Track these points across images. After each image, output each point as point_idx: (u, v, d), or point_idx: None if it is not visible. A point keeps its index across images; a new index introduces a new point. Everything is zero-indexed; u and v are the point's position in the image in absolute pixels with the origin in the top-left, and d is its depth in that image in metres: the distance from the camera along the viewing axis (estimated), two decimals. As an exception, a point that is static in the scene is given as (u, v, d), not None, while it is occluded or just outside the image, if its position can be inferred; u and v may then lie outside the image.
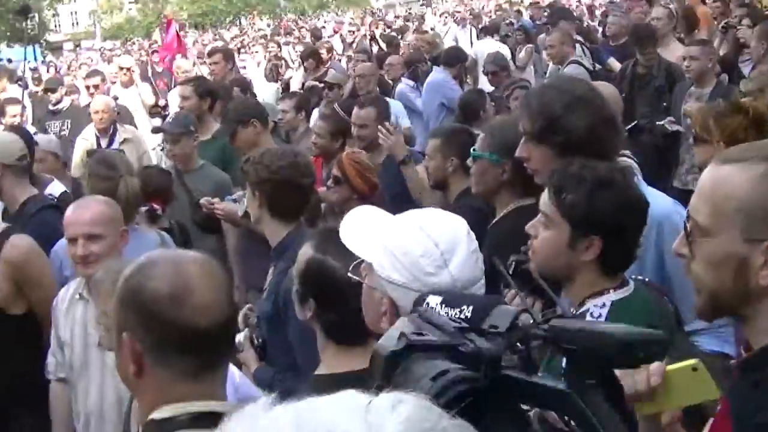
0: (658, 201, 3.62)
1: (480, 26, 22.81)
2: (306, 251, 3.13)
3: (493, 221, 4.55)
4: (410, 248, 2.40)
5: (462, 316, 1.81)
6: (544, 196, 3.09)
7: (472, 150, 4.64)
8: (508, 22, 23.61)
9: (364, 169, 5.40)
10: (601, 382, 1.57)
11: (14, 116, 10.14)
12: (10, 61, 35.62)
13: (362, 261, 2.56)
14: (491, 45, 14.65)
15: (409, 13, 45.75)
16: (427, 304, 1.92)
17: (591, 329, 1.63)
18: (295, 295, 3.17)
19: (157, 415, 2.12)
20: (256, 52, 20.84)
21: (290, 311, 3.66)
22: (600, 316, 2.92)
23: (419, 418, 1.02)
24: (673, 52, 9.57)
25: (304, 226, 4.49)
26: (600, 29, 17.44)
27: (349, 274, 2.61)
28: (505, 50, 14.01)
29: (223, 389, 2.25)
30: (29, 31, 15.54)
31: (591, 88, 3.85)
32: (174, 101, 11.35)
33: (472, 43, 21.29)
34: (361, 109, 6.99)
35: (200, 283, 2.14)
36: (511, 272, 2.62)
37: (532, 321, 1.67)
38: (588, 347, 1.58)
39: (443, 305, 1.89)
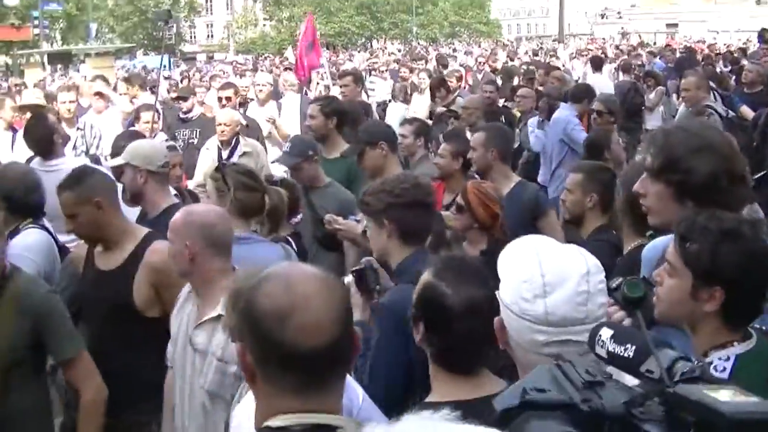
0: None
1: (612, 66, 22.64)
2: (426, 275, 3.15)
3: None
4: (517, 271, 2.45)
5: (625, 355, 1.84)
6: (670, 245, 3.05)
7: None
8: (639, 63, 23.43)
9: (488, 198, 5.43)
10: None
11: (147, 122, 10.41)
12: (145, 67, 36.70)
13: None
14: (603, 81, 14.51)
15: (540, 47, 45.67)
16: (600, 336, 1.97)
17: (705, 404, 1.60)
18: (410, 317, 3.18)
19: (272, 423, 2.14)
20: (386, 77, 21.01)
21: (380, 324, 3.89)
22: (724, 370, 2.85)
23: None
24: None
25: (427, 250, 4.48)
26: (732, 76, 17.17)
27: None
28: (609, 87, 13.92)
29: (339, 403, 2.24)
30: (167, 40, 15.93)
31: (724, 137, 3.72)
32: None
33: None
34: (475, 133, 7.20)
35: (307, 303, 2.12)
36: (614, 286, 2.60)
37: (686, 370, 1.67)
38: (702, 420, 1.57)
39: (612, 340, 1.93)
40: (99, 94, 12.49)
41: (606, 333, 1.99)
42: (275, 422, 2.14)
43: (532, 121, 11.01)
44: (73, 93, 11.84)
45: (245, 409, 3.29)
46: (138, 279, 4.85)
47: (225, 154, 9.47)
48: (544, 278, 2.43)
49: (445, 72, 17.31)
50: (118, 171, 5.99)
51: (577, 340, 2.45)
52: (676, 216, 3.01)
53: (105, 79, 14.88)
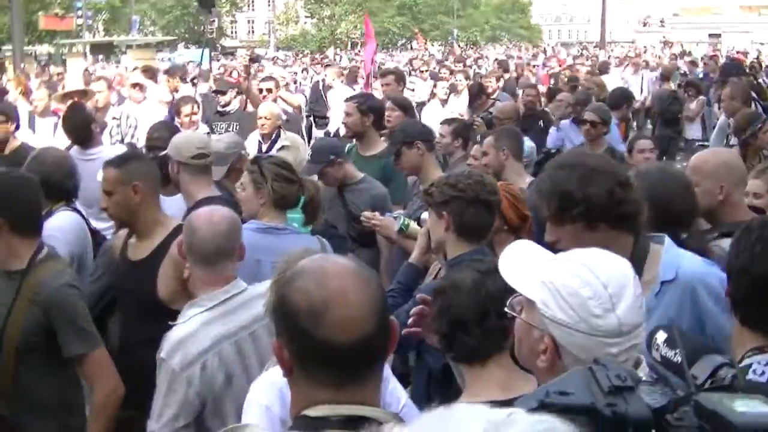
0: (691, 262, 3.63)
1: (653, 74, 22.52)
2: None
3: None
4: (579, 289, 2.39)
5: (675, 360, 1.82)
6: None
7: None
8: (682, 72, 23.31)
9: (517, 201, 5.40)
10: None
11: (188, 115, 10.45)
12: (192, 62, 36.93)
13: (518, 295, 2.56)
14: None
15: (581, 53, 45.51)
16: (655, 339, 1.96)
17: (718, 412, 1.61)
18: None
19: (310, 412, 2.14)
20: (426, 78, 20.99)
21: None
22: (764, 374, 2.81)
23: None
24: None
25: (485, 248, 4.46)
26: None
27: (506, 309, 2.62)
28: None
29: (376, 395, 2.24)
30: (208, 33, 16.02)
31: (598, 156, 3.91)
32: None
33: (642, 89, 21.07)
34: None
35: (341, 299, 2.11)
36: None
37: (730, 376, 1.66)
38: (715, 429, 1.58)
39: (665, 344, 1.92)
40: (137, 84, 12.60)
41: (660, 336, 2.04)
42: (313, 412, 2.13)
43: (564, 123, 10.94)
44: (104, 83, 11.92)
45: (258, 387, 3.33)
46: (162, 270, 4.79)
47: (265, 147, 9.49)
48: (608, 290, 2.38)
49: (483, 73, 17.27)
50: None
51: (638, 342, 2.42)
52: (595, 243, 2.99)
53: (149, 69, 15.01)
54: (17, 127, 8.35)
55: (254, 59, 14.62)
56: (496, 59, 33.62)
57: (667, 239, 3.74)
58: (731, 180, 4.84)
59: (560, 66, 27.23)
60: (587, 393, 1.72)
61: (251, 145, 9.54)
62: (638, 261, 3.43)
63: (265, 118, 9.61)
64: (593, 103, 10.56)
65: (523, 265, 2.59)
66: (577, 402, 1.67)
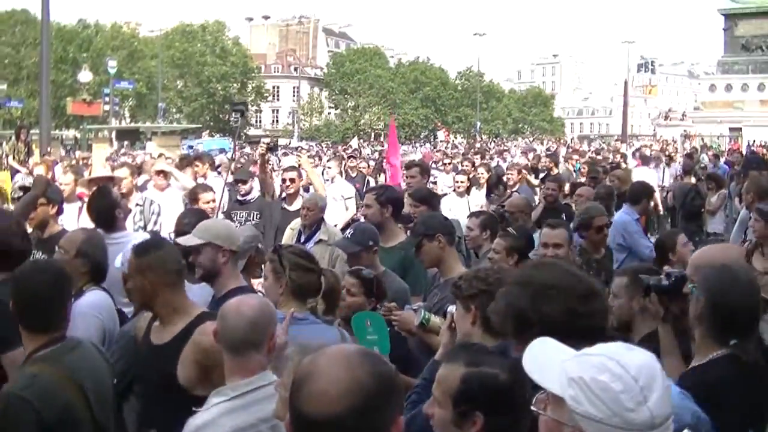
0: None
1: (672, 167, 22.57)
2: (454, 369, 3.13)
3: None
4: (610, 384, 2.38)
5: None
6: None
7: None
8: (702, 165, 23.34)
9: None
10: None
11: (207, 202, 10.41)
12: (223, 150, 37.37)
13: (542, 393, 2.54)
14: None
15: (602, 147, 45.73)
16: None
17: None
18: (449, 421, 3.11)
19: None
20: (448, 171, 21.09)
21: None
22: None
23: None
24: None
25: (511, 344, 4.44)
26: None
27: (532, 408, 2.60)
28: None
29: None
30: (233, 123, 16.24)
31: (560, 269, 3.63)
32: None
33: (662, 182, 21.11)
34: (554, 230, 7.25)
35: (318, 374, 2.15)
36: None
37: None
38: None
39: None
40: (161, 172, 12.70)
41: None
42: None
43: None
44: (126, 169, 12.06)
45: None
46: (184, 356, 4.78)
47: (303, 237, 9.50)
48: (639, 383, 2.38)
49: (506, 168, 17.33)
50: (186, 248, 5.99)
51: None
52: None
53: (184, 158, 15.16)
54: (60, 212, 8.35)
55: (271, 148, 14.67)
56: (522, 151, 33.82)
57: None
58: None
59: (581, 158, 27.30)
60: None
61: (293, 231, 9.59)
62: None
63: (308, 209, 9.59)
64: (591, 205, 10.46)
65: (548, 361, 2.58)
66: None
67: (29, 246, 6.10)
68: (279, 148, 36.81)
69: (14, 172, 13.76)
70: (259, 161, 12.96)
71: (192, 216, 7.34)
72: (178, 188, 12.45)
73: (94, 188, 9.13)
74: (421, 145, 60.85)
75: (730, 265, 4.49)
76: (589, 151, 33.91)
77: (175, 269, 5.09)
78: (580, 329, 3.26)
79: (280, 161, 24.14)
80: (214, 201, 10.54)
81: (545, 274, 3.50)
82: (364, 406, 2.14)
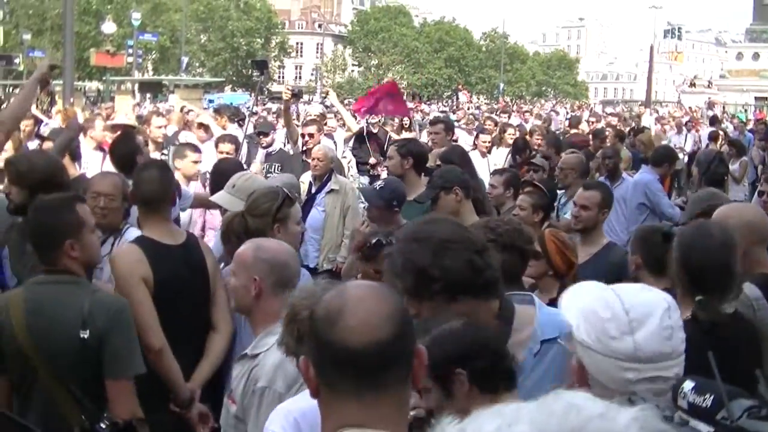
0: None
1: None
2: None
3: None
4: (599, 311, 2.46)
5: (704, 405, 1.85)
6: None
7: None
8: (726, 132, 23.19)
9: (565, 247, 5.40)
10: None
11: (224, 152, 10.43)
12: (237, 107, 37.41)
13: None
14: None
15: (627, 111, 45.44)
16: (682, 389, 2.01)
17: None
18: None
19: None
20: (470, 130, 21.05)
21: None
22: None
23: None
24: None
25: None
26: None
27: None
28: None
29: (400, 414, 2.25)
30: (255, 78, 16.31)
31: (454, 224, 3.56)
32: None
33: (684, 149, 21.01)
34: (586, 191, 7.10)
35: (355, 306, 2.18)
36: None
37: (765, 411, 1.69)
38: None
39: (693, 391, 1.97)
40: (203, 125, 13.08)
41: (688, 385, 2.07)
42: None
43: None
44: (164, 119, 12.15)
45: (275, 416, 3.32)
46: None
47: (315, 188, 9.60)
48: (629, 315, 2.44)
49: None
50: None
51: (666, 376, 2.45)
52: (459, 313, 2.98)
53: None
54: (77, 157, 8.66)
55: (296, 94, 14.69)
56: (538, 114, 33.63)
57: (536, 298, 3.71)
58: (753, 239, 4.68)
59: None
60: None
61: (304, 183, 9.62)
62: (506, 322, 3.41)
63: (318, 159, 9.65)
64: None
65: (576, 297, 2.64)
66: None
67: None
68: (301, 93, 36.70)
69: (37, 122, 13.78)
70: (283, 106, 13.00)
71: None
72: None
73: (118, 133, 9.19)
74: (444, 105, 60.67)
75: (707, 222, 4.50)
76: (603, 115, 33.40)
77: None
78: (481, 284, 3.27)
79: (299, 115, 24.03)
80: (231, 153, 10.42)
81: (442, 228, 3.40)
82: (401, 331, 2.18)
